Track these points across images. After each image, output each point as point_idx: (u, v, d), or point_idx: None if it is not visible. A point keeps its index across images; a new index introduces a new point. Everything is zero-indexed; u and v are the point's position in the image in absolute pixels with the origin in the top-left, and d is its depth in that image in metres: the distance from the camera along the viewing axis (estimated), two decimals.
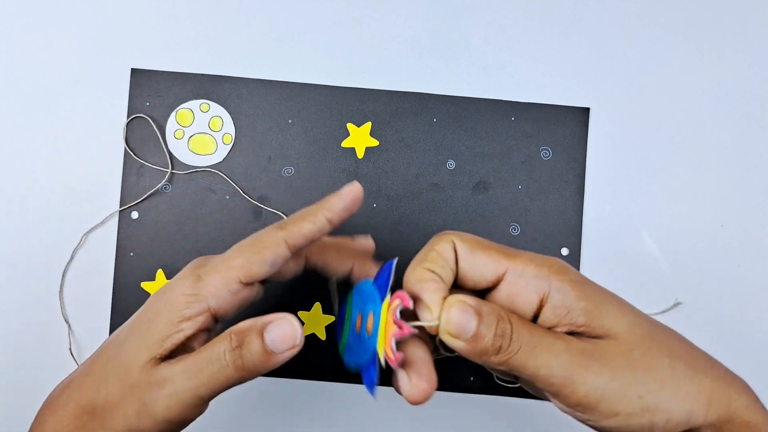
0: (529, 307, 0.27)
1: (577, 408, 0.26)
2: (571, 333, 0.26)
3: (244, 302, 0.30)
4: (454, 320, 0.25)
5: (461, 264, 0.27)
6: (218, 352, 0.27)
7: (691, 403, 0.25)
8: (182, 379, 0.27)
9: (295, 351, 0.28)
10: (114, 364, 0.28)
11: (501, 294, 0.27)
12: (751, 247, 0.45)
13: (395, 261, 0.28)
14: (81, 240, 0.44)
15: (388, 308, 0.26)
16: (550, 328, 0.27)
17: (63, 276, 0.44)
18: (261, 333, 0.27)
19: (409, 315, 0.27)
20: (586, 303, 0.26)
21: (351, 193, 0.30)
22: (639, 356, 0.25)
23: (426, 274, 0.27)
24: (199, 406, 0.28)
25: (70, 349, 0.44)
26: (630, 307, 0.27)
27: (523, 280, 0.26)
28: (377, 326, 0.27)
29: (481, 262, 0.27)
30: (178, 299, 0.28)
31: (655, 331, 0.27)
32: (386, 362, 0.26)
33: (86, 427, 0.28)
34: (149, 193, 0.44)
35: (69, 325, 0.44)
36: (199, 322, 0.28)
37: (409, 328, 0.26)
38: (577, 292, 0.26)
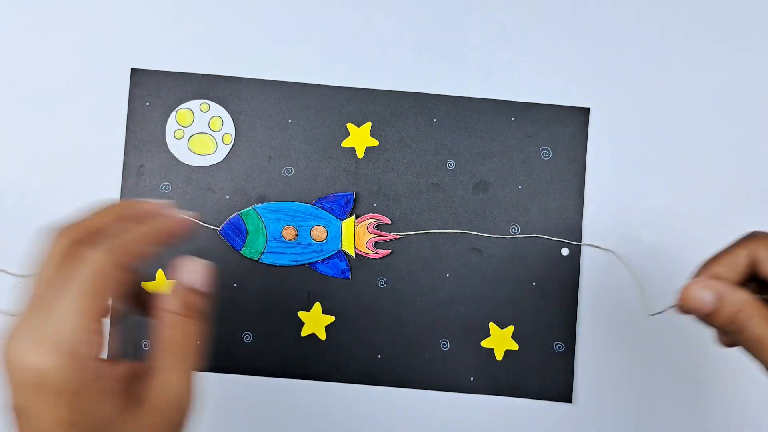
0: None
1: None
2: None
3: None
4: (692, 300, 0.31)
5: (762, 267, 0.32)
6: (191, 332, 0.27)
7: None
8: None
9: None
10: None
11: None
12: None
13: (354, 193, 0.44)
14: None
15: (358, 223, 0.44)
16: None
17: None
18: (194, 288, 0.28)
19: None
20: None
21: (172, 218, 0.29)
22: None
23: (708, 271, 0.32)
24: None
25: None
26: None
27: None
28: (336, 234, 0.44)
29: None
30: None
31: None
32: (356, 255, 0.44)
33: None
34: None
35: None
36: None
37: (393, 235, 0.44)
38: None
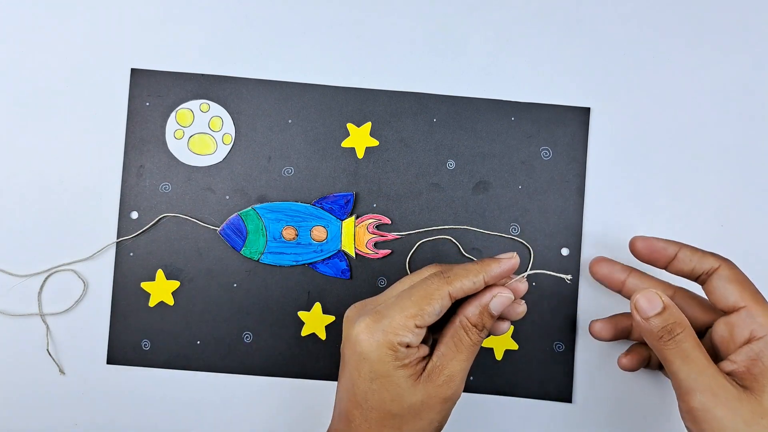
0: (739, 338, 0.35)
1: (685, 413, 0.33)
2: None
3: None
4: (642, 302, 0.34)
5: (715, 282, 0.36)
6: (472, 342, 0.35)
7: None
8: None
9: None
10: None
11: (727, 320, 0.36)
12: (752, 247, 0.45)
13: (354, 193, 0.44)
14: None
15: (358, 224, 0.44)
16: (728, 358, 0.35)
17: (45, 278, 0.44)
18: (490, 311, 0.35)
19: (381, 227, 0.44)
20: None
21: (509, 262, 0.35)
22: (766, 426, 0.31)
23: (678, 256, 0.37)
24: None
25: (48, 349, 0.44)
26: None
27: (749, 320, 0.34)
28: (336, 234, 0.44)
29: (728, 294, 0.35)
30: (379, 342, 0.34)
31: None
32: (356, 255, 0.44)
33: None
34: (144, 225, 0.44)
35: (47, 326, 0.44)
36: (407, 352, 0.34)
37: (393, 235, 0.44)
38: None
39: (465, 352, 0.35)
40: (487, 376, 0.44)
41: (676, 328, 0.33)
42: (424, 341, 0.36)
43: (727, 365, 0.34)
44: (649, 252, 0.38)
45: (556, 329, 0.44)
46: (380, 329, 0.34)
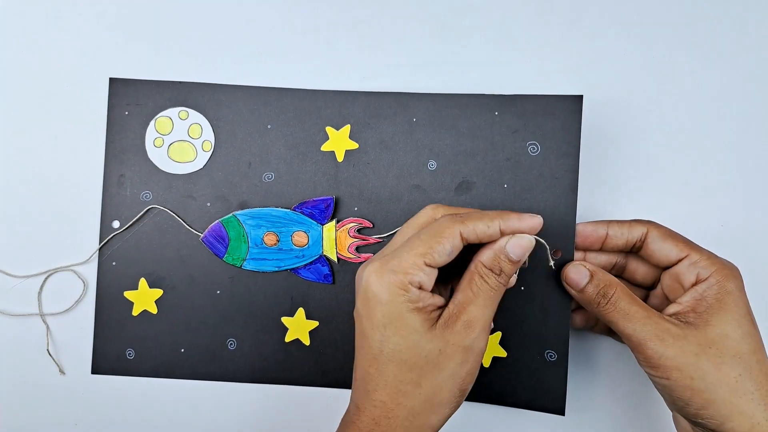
0: (687, 283, 0.36)
1: (643, 362, 0.35)
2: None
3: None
4: (571, 274, 0.37)
5: (649, 245, 0.38)
6: (490, 287, 0.34)
7: (732, 412, 0.32)
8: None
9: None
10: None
11: (671, 271, 0.37)
12: (752, 247, 0.42)
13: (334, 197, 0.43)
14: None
15: (339, 228, 0.43)
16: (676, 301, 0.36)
17: (43, 282, 0.45)
18: (507, 254, 0.34)
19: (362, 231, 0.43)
20: (721, 313, 0.34)
21: (532, 219, 0.35)
22: (713, 354, 0.33)
23: (604, 225, 0.39)
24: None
25: (48, 349, 0.45)
26: (748, 328, 0.34)
27: (693, 267, 0.36)
28: (317, 239, 0.43)
29: (667, 250, 0.37)
30: (390, 282, 0.33)
31: (747, 348, 0.33)
32: (338, 259, 0.43)
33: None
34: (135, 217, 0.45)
35: (47, 326, 0.45)
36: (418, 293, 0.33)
37: (374, 239, 0.43)
38: (720, 301, 0.34)
39: (482, 296, 0.34)
40: (475, 383, 0.42)
41: (609, 290, 0.36)
42: (440, 293, 0.34)
43: (672, 307, 0.36)
44: (582, 238, 0.39)
45: (547, 337, 0.42)
46: (389, 270, 0.33)
